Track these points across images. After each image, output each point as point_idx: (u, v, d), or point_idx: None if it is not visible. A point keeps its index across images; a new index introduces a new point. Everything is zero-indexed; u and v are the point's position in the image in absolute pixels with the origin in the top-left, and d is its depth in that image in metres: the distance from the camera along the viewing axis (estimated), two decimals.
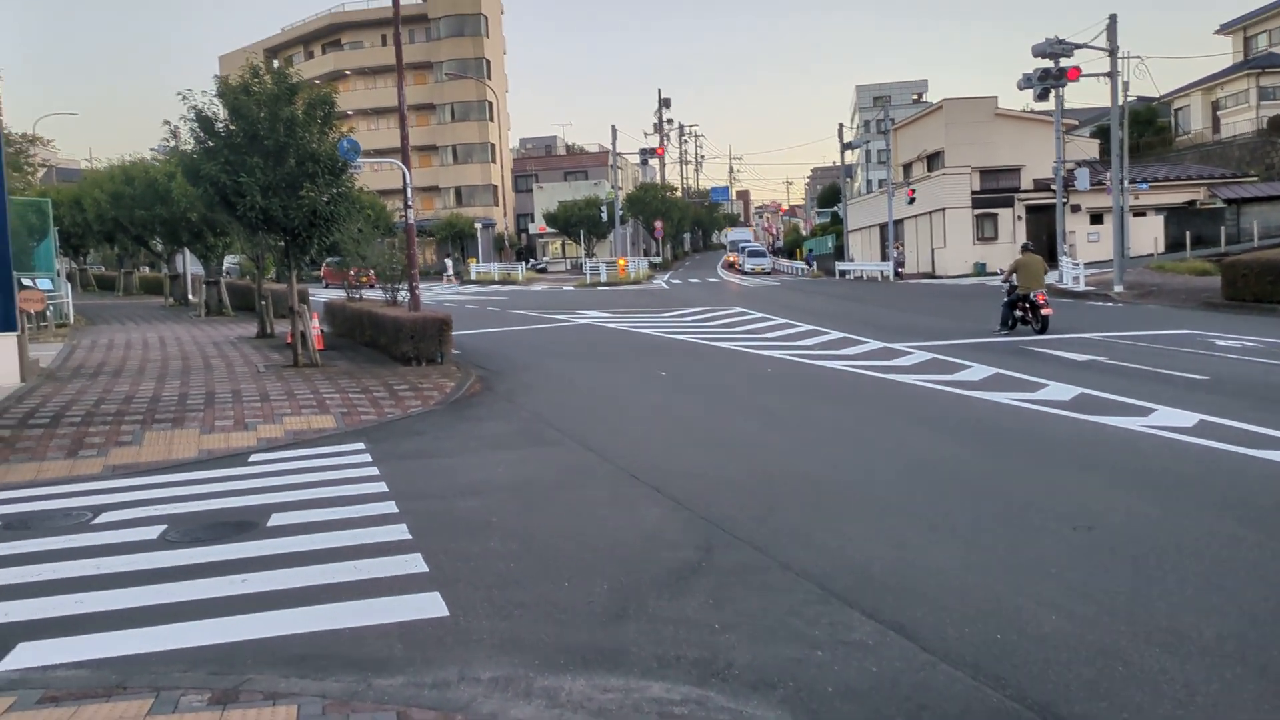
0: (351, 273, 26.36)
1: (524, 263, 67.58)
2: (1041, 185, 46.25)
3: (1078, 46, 29.85)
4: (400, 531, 7.25)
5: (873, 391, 13.60)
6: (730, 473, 8.99)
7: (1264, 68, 57.90)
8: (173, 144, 18.48)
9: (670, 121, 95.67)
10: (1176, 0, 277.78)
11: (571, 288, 49.49)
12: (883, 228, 53.75)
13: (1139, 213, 44.79)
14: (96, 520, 8.07)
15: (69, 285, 31.89)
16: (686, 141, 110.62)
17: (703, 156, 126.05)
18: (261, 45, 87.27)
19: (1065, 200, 36.69)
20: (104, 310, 34.60)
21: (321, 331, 20.13)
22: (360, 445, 11.03)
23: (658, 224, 71.18)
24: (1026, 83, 30.47)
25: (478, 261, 67.03)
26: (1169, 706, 4.22)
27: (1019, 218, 47.07)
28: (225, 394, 14.65)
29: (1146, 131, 63.95)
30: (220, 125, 16.85)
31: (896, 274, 47.97)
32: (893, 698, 4.40)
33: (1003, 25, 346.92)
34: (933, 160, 51.86)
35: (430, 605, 5.71)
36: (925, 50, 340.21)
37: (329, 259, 41.18)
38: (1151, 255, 41.77)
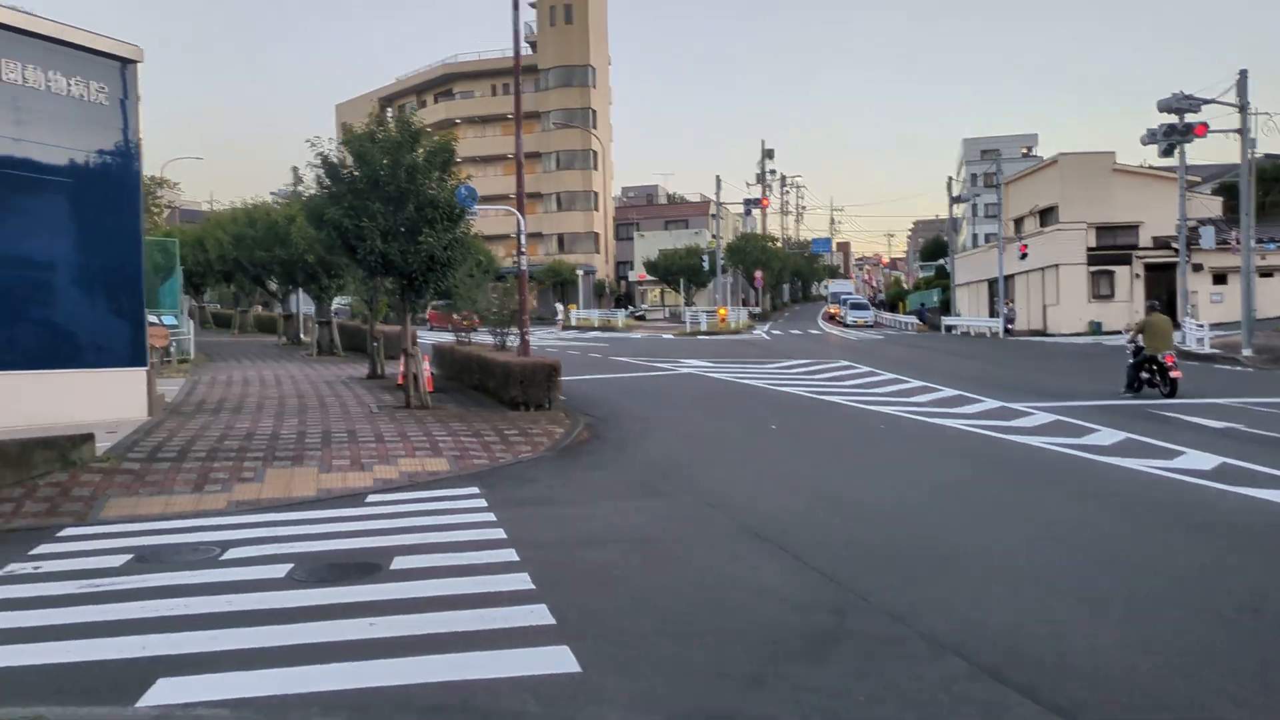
0: (456, 316, 26.80)
1: (623, 309, 68.03)
2: (1161, 243, 44.75)
3: (1205, 102, 28.91)
4: (523, 581, 7.15)
5: (995, 453, 13.12)
6: (856, 533, 8.70)
7: None
8: (295, 188, 19.09)
9: (773, 172, 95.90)
10: None
11: (671, 335, 49.52)
12: (991, 283, 52.59)
13: (1266, 273, 42.96)
14: (224, 556, 8.18)
15: (191, 322, 33.06)
16: (788, 192, 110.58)
17: (803, 207, 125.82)
18: (376, 94, 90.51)
19: (1188, 259, 35.39)
20: (221, 347, 35.79)
21: (431, 374, 20.40)
22: (474, 490, 11.03)
23: (758, 274, 70.98)
24: (1151, 138, 29.60)
25: (578, 307, 67.70)
26: None
27: (1137, 276, 45.58)
28: (341, 434, 14.88)
29: (1274, 190, 61.52)
30: (345, 171, 17.31)
31: (1007, 330, 46.79)
32: None
33: (1112, 81, 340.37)
34: (1046, 215, 50.69)
35: (561, 660, 5.57)
36: (1034, 104, 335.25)
37: (435, 302, 42.06)
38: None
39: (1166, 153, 30.09)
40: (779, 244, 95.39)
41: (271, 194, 43.41)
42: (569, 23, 77.18)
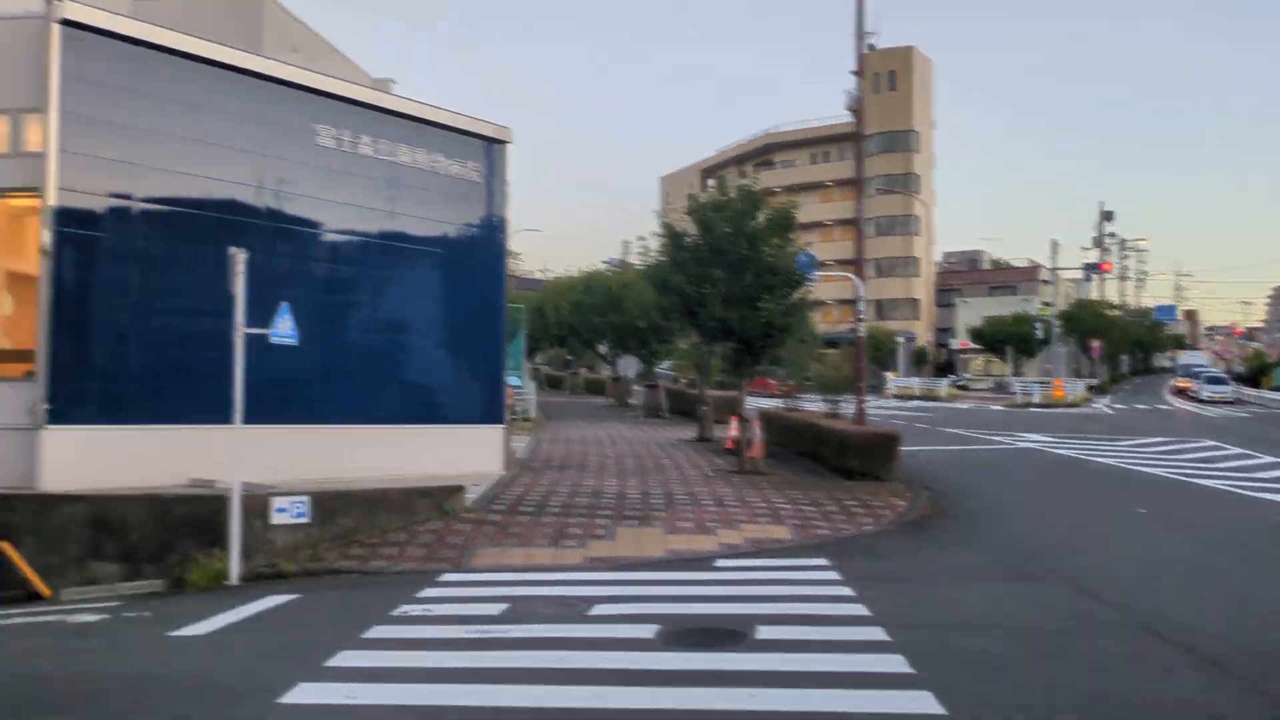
0: (778, 381, 26.77)
1: (945, 378, 65.47)
2: None
3: None
4: (899, 663, 6.75)
5: None
6: None
7: None
8: (625, 257, 19.94)
9: (1111, 235, 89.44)
10: None
11: (1000, 407, 46.94)
12: None
13: None
14: (591, 611, 8.38)
15: (533, 384, 35.28)
16: (1127, 256, 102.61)
17: (1145, 273, 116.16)
18: (699, 166, 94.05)
19: None
20: (556, 408, 37.88)
21: (762, 439, 20.39)
22: (823, 561, 10.73)
23: (1095, 343, 66.02)
24: None
25: (897, 375, 65.95)
26: None
27: None
28: (682, 496, 15.11)
29: None
30: (688, 239, 17.84)
31: None
32: None
33: None
34: None
35: None
36: None
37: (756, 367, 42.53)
38: None
39: None
40: (1118, 311, 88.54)
41: (603, 263, 45.93)
42: (893, 89, 76.54)
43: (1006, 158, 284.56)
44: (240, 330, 10.46)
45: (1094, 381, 67.13)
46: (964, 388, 66.46)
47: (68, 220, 12.07)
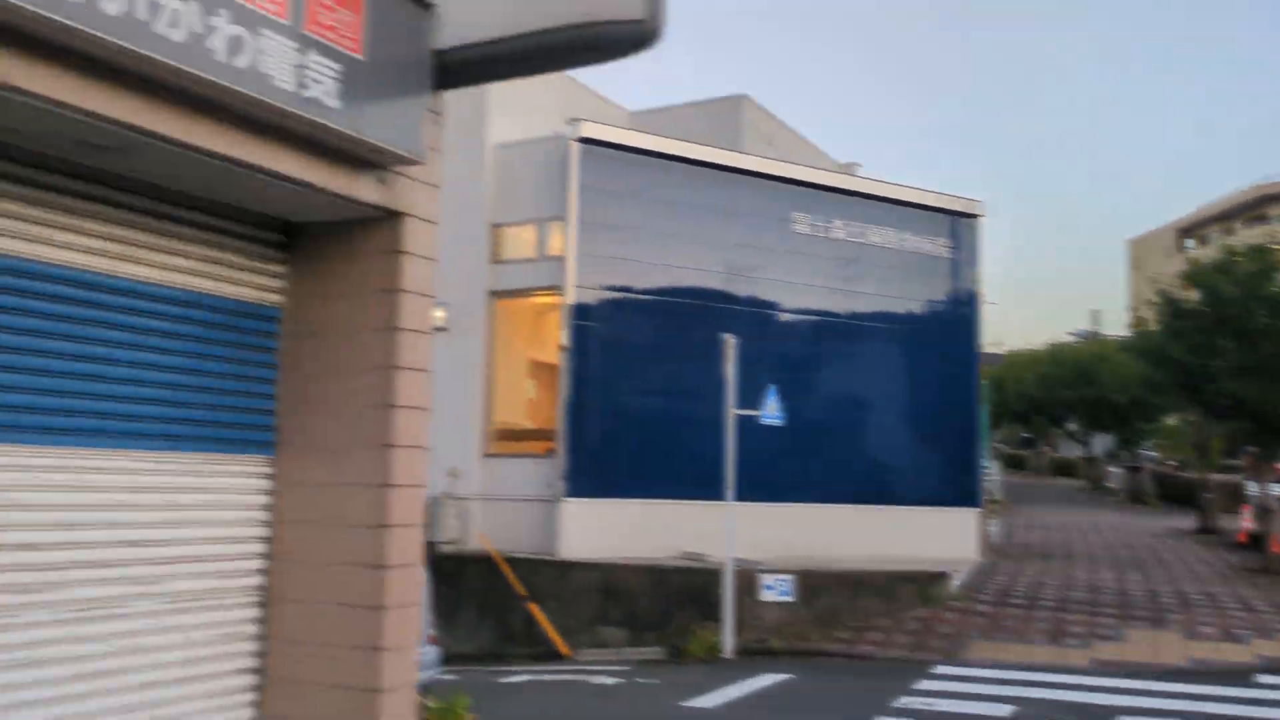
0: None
1: None
2: None
3: None
4: None
5: None
6: None
7: None
8: (1096, 327, 18.30)
9: None
10: None
11: None
12: None
13: None
14: None
15: (997, 464, 33.59)
16: None
17: None
18: (1173, 226, 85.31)
19: None
20: (1021, 490, 35.64)
21: None
22: None
23: None
24: None
25: None
26: None
27: None
28: (1197, 595, 13.40)
29: None
30: (1188, 305, 16.09)
31: None
32: None
33: None
34: None
35: None
36: None
37: (1249, 447, 37.19)
38: None
39: None
40: None
41: (1069, 334, 42.88)
42: None
43: None
44: (731, 411, 10.94)
45: None
46: None
47: (580, 315, 13.47)
